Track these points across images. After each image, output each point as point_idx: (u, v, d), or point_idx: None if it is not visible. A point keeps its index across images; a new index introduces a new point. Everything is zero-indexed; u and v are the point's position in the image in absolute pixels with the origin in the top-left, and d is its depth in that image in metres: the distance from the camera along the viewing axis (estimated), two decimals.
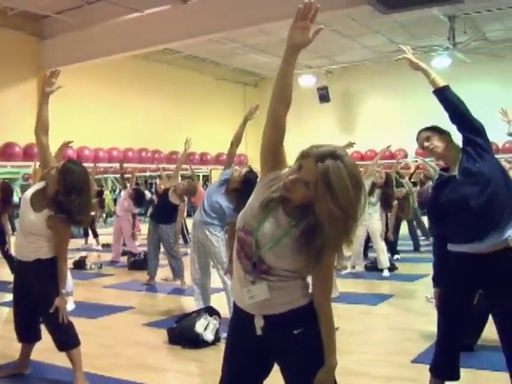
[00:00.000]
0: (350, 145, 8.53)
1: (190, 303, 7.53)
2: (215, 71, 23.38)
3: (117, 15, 14.62)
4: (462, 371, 4.07)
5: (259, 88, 25.13)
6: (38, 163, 5.50)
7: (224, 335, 4.56)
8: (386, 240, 10.61)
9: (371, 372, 5.22)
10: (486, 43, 19.18)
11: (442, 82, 3.94)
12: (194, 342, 6.04)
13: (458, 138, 3.94)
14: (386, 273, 9.99)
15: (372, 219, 9.96)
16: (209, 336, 6.07)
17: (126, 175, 13.73)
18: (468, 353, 4.94)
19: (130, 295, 9.19)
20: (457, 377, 4.05)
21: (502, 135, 7.79)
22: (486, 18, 17.15)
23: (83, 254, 13.23)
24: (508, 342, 3.80)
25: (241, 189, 6.11)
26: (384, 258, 10.10)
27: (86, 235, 16.35)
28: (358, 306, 7.88)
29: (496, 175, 3.74)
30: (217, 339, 6.09)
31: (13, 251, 7.42)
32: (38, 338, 5.07)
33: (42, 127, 4.90)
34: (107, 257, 13.51)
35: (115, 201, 18.15)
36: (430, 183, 12.97)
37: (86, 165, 5.35)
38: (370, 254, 11.44)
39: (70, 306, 7.39)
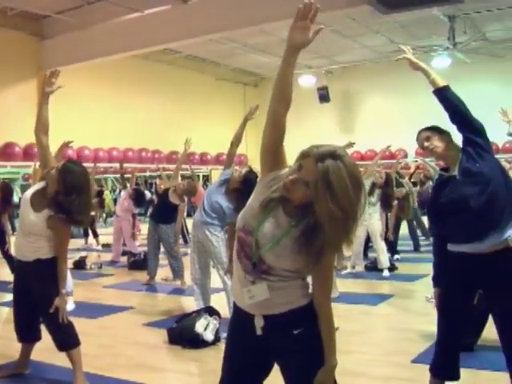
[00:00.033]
0: (350, 145, 8.53)
1: (190, 303, 7.53)
2: (215, 71, 23.38)
3: (117, 15, 14.62)
4: (462, 371, 4.07)
5: (259, 88, 25.13)
6: (37, 163, 5.51)
7: (224, 335, 4.56)
8: (386, 240, 10.61)
9: (371, 372, 5.22)
10: (486, 43, 19.18)
11: (441, 82, 3.94)
12: (194, 341, 6.04)
13: (458, 138, 3.94)
14: (385, 273, 9.99)
15: (372, 219, 9.96)
16: (209, 336, 6.07)
17: (125, 175, 13.73)
18: (468, 353, 4.94)
19: (130, 295, 9.19)
20: (457, 377, 4.05)
21: (502, 135, 7.79)
22: (486, 18, 17.16)
23: (83, 254, 13.23)
24: (508, 342, 3.80)
25: (241, 189, 6.11)
26: (384, 258, 10.10)
27: (86, 235, 16.35)
28: (358, 306, 7.87)
29: (496, 175, 3.74)
30: (217, 339, 6.09)
31: (13, 251, 7.43)
32: (37, 338, 5.07)
33: (41, 127, 4.90)
34: (107, 257, 13.51)
35: (115, 201, 18.15)
36: (430, 183, 12.97)
37: (85, 165, 5.35)
38: (370, 254, 11.44)
39: (70, 306, 7.39)
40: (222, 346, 5.61)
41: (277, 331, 2.59)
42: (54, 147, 5.51)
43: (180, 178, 10.96)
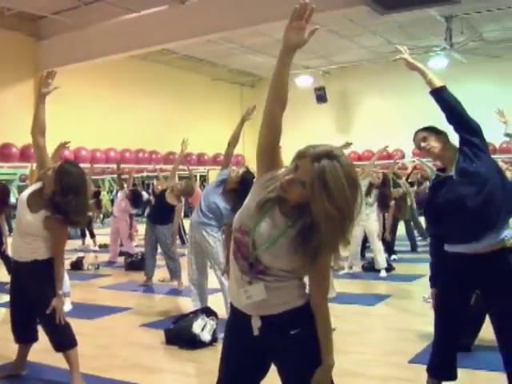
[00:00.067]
0: (347, 145, 8.53)
1: (187, 304, 7.52)
2: (212, 72, 23.40)
3: (114, 16, 14.63)
4: (459, 371, 4.08)
5: (256, 88, 25.15)
6: (34, 164, 5.51)
7: (221, 336, 4.55)
8: (383, 240, 10.61)
9: (368, 372, 5.22)
10: (483, 43, 19.23)
11: (438, 83, 3.94)
12: (191, 342, 6.03)
13: (454, 138, 3.95)
14: (383, 273, 9.99)
15: (369, 219, 9.96)
16: (206, 337, 6.07)
17: (123, 176, 13.72)
18: (465, 353, 4.94)
19: (127, 296, 9.19)
20: (454, 377, 4.06)
21: (499, 135, 7.80)
22: (483, 19, 17.20)
23: (80, 254, 13.19)
24: (505, 342, 3.81)
25: (238, 189, 6.11)
26: (381, 259, 10.10)
27: (83, 236, 16.33)
28: (355, 306, 7.88)
29: (493, 175, 3.74)
30: (214, 340, 6.09)
31: (10, 252, 7.42)
32: (34, 338, 5.07)
33: (38, 128, 4.90)
34: (104, 257, 13.49)
35: (112, 201, 18.16)
36: (427, 183, 12.96)
37: (83, 165, 5.35)
38: (367, 255, 11.44)
39: (67, 307, 7.38)
40: (219, 346, 5.59)
41: (274, 331, 2.59)
42: (50, 148, 5.51)
43: (177, 179, 10.96)
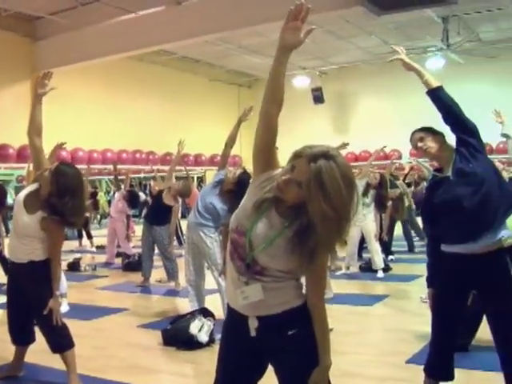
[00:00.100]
0: (344, 145, 8.53)
1: (185, 305, 7.52)
2: (209, 72, 23.39)
3: (111, 16, 14.61)
4: (456, 371, 4.08)
5: (253, 89, 25.15)
6: (31, 165, 5.51)
7: (218, 336, 4.55)
8: (381, 241, 10.62)
9: (365, 372, 5.22)
10: (480, 44, 19.25)
11: (435, 83, 3.94)
12: (189, 343, 6.03)
13: (451, 138, 3.95)
14: (380, 273, 9.99)
15: (366, 220, 9.97)
16: (203, 337, 6.07)
17: (119, 177, 13.71)
18: (462, 353, 4.94)
19: (125, 297, 9.18)
20: (451, 377, 4.06)
21: (496, 136, 7.79)
22: (480, 19, 17.22)
23: (77, 255, 13.19)
24: (502, 343, 3.81)
25: (235, 190, 6.10)
26: (378, 259, 10.10)
27: (80, 237, 16.32)
28: (353, 306, 7.88)
29: (489, 176, 3.75)
30: (211, 340, 6.09)
31: (7, 253, 7.42)
32: (31, 340, 5.06)
33: (34, 129, 4.89)
34: (101, 258, 13.48)
35: (109, 202, 18.11)
36: (424, 184, 12.97)
37: (79, 166, 5.35)
38: (365, 255, 11.44)
39: (64, 308, 7.38)
40: (216, 347, 5.59)
41: (271, 332, 2.59)
42: (47, 149, 5.50)
43: (174, 180, 10.95)
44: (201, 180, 24.05)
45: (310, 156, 2.35)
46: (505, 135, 7.57)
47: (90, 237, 15.84)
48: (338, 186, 2.30)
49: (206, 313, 6.46)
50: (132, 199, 12.81)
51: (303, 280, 2.64)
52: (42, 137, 4.92)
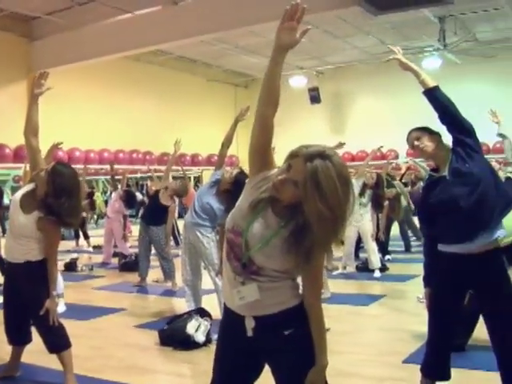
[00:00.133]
0: (340, 145, 8.54)
1: (181, 305, 7.52)
2: (206, 72, 23.38)
3: (107, 16, 14.59)
4: (453, 371, 4.09)
5: (250, 89, 25.13)
6: (28, 165, 5.51)
7: (215, 336, 4.55)
8: (377, 240, 10.63)
9: (362, 372, 5.22)
10: (476, 44, 19.27)
11: (431, 83, 3.95)
12: (185, 343, 6.03)
13: (447, 138, 3.95)
14: (377, 273, 10.00)
15: (363, 220, 9.98)
16: (200, 337, 6.07)
17: (116, 177, 13.70)
18: (459, 353, 4.94)
19: (121, 297, 9.18)
20: (447, 377, 4.07)
21: (493, 136, 7.80)
22: (476, 19, 17.23)
23: (74, 255, 13.18)
24: (498, 342, 3.82)
25: (231, 190, 6.09)
26: (375, 259, 10.11)
27: (76, 237, 16.32)
28: (349, 306, 7.88)
29: (486, 175, 3.75)
30: (208, 340, 6.09)
31: (3, 253, 7.41)
32: (28, 340, 5.06)
33: (31, 129, 4.89)
34: (98, 258, 13.48)
35: (106, 202, 18.13)
36: (421, 184, 12.98)
37: (76, 166, 5.34)
38: (361, 255, 11.45)
39: (61, 308, 7.37)
40: (213, 347, 5.57)
41: (267, 332, 2.58)
42: (44, 149, 5.49)
43: (171, 179, 10.95)
44: (198, 180, 24.04)
45: (306, 155, 2.35)
46: (501, 135, 7.57)
47: (86, 237, 15.83)
48: (334, 185, 2.30)
49: (202, 313, 6.47)
50: (129, 199, 12.79)
51: (299, 280, 2.64)
52: (38, 137, 4.92)
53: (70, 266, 11.85)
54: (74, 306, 8.04)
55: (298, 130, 21.24)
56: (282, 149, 3.05)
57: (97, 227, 22.41)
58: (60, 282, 7.33)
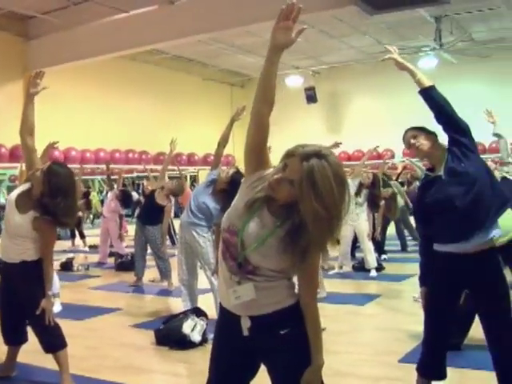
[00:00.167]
0: (336, 145, 8.54)
1: (178, 304, 7.52)
2: (202, 72, 23.36)
3: (103, 16, 14.56)
4: (449, 370, 4.09)
5: (246, 89, 25.12)
6: (24, 164, 5.50)
7: (211, 336, 4.55)
8: (374, 240, 10.64)
9: (358, 372, 5.23)
10: (472, 44, 19.28)
11: (427, 82, 3.95)
12: (182, 343, 6.03)
13: (443, 138, 3.96)
14: (373, 273, 10.02)
15: (359, 219, 9.99)
16: (196, 337, 6.07)
17: (112, 176, 13.69)
18: (455, 352, 4.95)
19: (117, 296, 9.17)
20: (443, 376, 4.07)
21: (489, 135, 7.81)
22: (472, 19, 17.24)
23: (70, 255, 13.16)
24: (494, 342, 3.83)
25: (228, 189, 6.11)
26: (371, 258, 10.13)
27: (72, 237, 16.29)
28: (346, 306, 7.89)
29: (481, 175, 3.76)
30: (204, 340, 6.09)
31: None
32: (24, 340, 5.05)
33: (27, 128, 4.87)
34: (94, 258, 13.46)
35: (102, 202, 18.09)
36: (417, 183, 12.99)
37: (72, 166, 5.33)
38: (358, 254, 11.47)
39: (57, 308, 7.37)
40: (209, 346, 5.57)
41: (263, 332, 2.58)
42: (40, 148, 5.48)
43: (167, 179, 10.95)
44: (194, 179, 24.04)
45: (302, 155, 2.35)
46: (497, 135, 7.59)
47: (82, 236, 15.82)
48: (330, 185, 2.30)
49: (198, 312, 6.47)
50: (125, 199, 12.79)
51: (295, 279, 2.64)
52: (34, 136, 4.91)
53: (66, 266, 11.83)
54: (69, 306, 8.03)
55: (294, 129, 21.23)
56: (277, 148, 3.04)
57: (93, 227, 22.39)
58: (56, 282, 7.32)
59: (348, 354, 5.69)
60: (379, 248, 11.44)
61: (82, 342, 6.26)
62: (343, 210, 2.37)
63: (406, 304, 7.82)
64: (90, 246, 15.63)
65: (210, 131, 18.08)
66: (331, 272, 10.17)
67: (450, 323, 4.04)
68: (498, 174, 6.57)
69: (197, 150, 22.02)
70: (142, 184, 20.97)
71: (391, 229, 12.68)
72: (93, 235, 16.72)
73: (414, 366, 4.18)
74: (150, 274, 10.34)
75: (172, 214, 12.11)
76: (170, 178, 12.49)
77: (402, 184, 14.59)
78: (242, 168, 6.09)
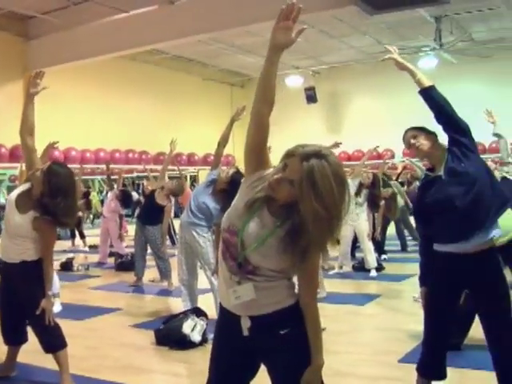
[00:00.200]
0: (336, 145, 8.54)
1: (178, 304, 7.52)
2: (202, 72, 23.35)
3: (103, 16, 14.56)
4: (449, 370, 4.09)
5: (246, 88, 25.12)
6: (24, 164, 5.50)
7: (211, 336, 4.55)
8: (374, 240, 10.64)
9: (358, 372, 5.23)
10: (472, 44, 19.28)
11: (427, 82, 3.95)
12: (182, 343, 6.03)
13: (443, 138, 3.96)
14: (373, 273, 10.02)
15: (359, 219, 9.99)
16: (196, 337, 6.07)
17: (112, 176, 13.69)
18: (455, 352, 4.95)
19: (117, 296, 9.17)
20: (443, 376, 4.07)
21: (489, 135, 7.81)
22: (472, 19, 17.23)
23: (70, 255, 13.16)
24: (494, 342, 3.83)
25: (228, 190, 6.11)
26: (371, 258, 10.13)
27: (72, 237, 16.29)
28: (346, 306, 7.89)
29: (481, 175, 3.75)
30: (204, 340, 6.09)
31: None
32: (24, 340, 5.05)
33: (27, 128, 4.87)
34: (94, 258, 13.46)
35: (102, 202, 18.09)
36: (417, 183, 12.98)
37: (72, 166, 5.33)
38: (358, 254, 11.46)
39: (57, 308, 7.37)
40: (209, 346, 5.56)
41: (263, 332, 2.58)
42: (40, 148, 5.48)
43: (167, 179, 10.95)
44: (194, 179, 24.04)
45: (302, 155, 2.35)
46: (496, 135, 7.59)
47: (82, 236, 15.81)
48: (330, 185, 2.30)
49: (198, 312, 6.46)
50: (125, 199, 12.79)
51: (295, 279, 2.64)
52: (34, 136, 4.91)
53: (66, 266, 11.83)
54: (69, 306, 8.03)
55: (294, 129, 21.23)
56: (277, 148, 3.04)
57: (93, 227, 22.39)
58: (56, 282, 7.32)
59: (348, 354, 5.69)
60: (379, 248, 11.44)
61: (82, 342, 6.26)
62: (343, 210, 2.37)
63: (405, 304, 7.82)
64: (90, 246, 15.63)
65: (210, 131, 18.07)
66: (331, 272, 10.17)
67: (450, 323, 4.03)
68: (498, 174, 6.57)
69: (197, 150, 22.02)
70: (142, 184, 20.96)
71: (391, 229, 12.67)
72: (93, 235, 16.71)
73: (414, 366, 4.18)
74: (150, 274, 10.34)
75: (172, 214, 12.11)
76: (170, 178, 12.49)
77: (402, 184, 14.60)
78: (241, 168, 6.10)
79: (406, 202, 12.81)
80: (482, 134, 6.86)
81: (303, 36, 2.49)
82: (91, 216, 24.24)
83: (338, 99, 23.82)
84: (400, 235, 13.21)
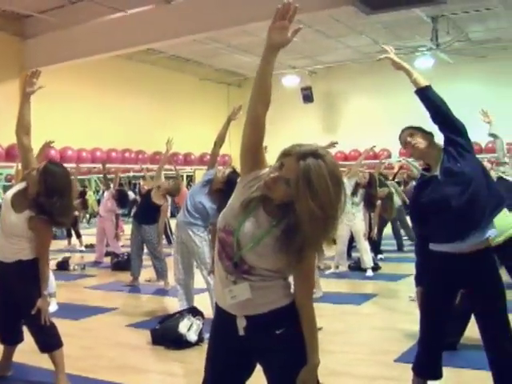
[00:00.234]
0: (333, 144, 8.53)
1: (174, 304, 7.51)
2: (199, 71, 23.35)
3: (100, 15, 14.54)
4: (445, 370, 4.10)
5: (243, 88, 25.12)
6: (20, 164, 5.49)
7: (207, 335, 4.55)
8: (370, 240, 10.64)
9: (354, 371, 5.23)
10: (469, 44, 19.30)
11: (423, 82, 3.95)
12: (178, 342, 6.03)
13: (439, 138, 3.96)
14: (369, 272, 10.02)
15: (355, 219, 9.99)
16: (192, 336, 6.06)
17: (109, 176, 13.68)
18: (451, 352, 4.96)
19: (114, 296, 9.17)
20: (439, 375, 4.07)
21: (485, 135, 7.82)
22: (469, 19, 17.25)
23: (66, 254, 13.15)
24: (490, 341, 3.83)
25: (224, 189, 6.10)
26: (367, 258, 10.13)
27: (69, 236, 16.27)
28: (342, 305, 7.89)
29: (477, 175, 3.76)
30: (200, 340, 6.09)
31: None
32: (20, 339, 5.04)
33: (22, 128, 4.87)
34: (90, 258, 13.45)
35: (99, 201, 18.10)
36: (413, 183, 12.98)
37: (68, 165, 5.33)
38: (354, 254, 11.47)
39: (53, 308, 7.36)
40: (205, 346, 5.56)
41: (259, 331, 2.59)
42: (36, 147, 5.47)
43: (164, 179, 10.95)
44: (190, 179, 24.03)
45: (298, 154, 2.35)
46: (492, 135, 7.60)
47: (78, 236, 15.79)
48: (326, 184, 2.30)
49: (194, 312, 6.46)
50: (121, 198, 12.78)
51: (291, 279, 2.64)
52: (30, 135, 4.90)
53: (62, 265, 11.82)
54: (65, 306, 8.02)
55: (291, 129, 21.25)
56: (274, 148, 3.04)
57: (89, 226, 22.38)
58: (52, 282, 7.31)
59: (344, 354, 5.70)
60: (375, 248, 11.45)
61: (78, 342, 6.26)
62: (339, 210, 2.37)
63: (402, 304, 7.83)
64: (86, 246, 15.60)
65: (206, 131, 18.06)
66: (327, 272, 10.17)
67: (446, 323, 4.04)
68: (494, 174, 6.57)
69: (193, 150, 22.01)
70: (139, 183, 20.94)
71: (387, 228, 12.68)
72: (89, 235, 16.70)
73: (410, 365, 4.18)
74: (146, 273, 10.33)
75: (168, 214, 12.11)
76: (166, 177, 12.49)
77: (399, 184, 14.59)
78: (238, 168, 6.10)
79: (404, 201, 12.80)
80: (478, 134, 6.87)
81: (300, 36, 2.50)
82: (87, 215, 24.21)
83: (334, 99, 23.84)
84: (396, 235, 13.21)
